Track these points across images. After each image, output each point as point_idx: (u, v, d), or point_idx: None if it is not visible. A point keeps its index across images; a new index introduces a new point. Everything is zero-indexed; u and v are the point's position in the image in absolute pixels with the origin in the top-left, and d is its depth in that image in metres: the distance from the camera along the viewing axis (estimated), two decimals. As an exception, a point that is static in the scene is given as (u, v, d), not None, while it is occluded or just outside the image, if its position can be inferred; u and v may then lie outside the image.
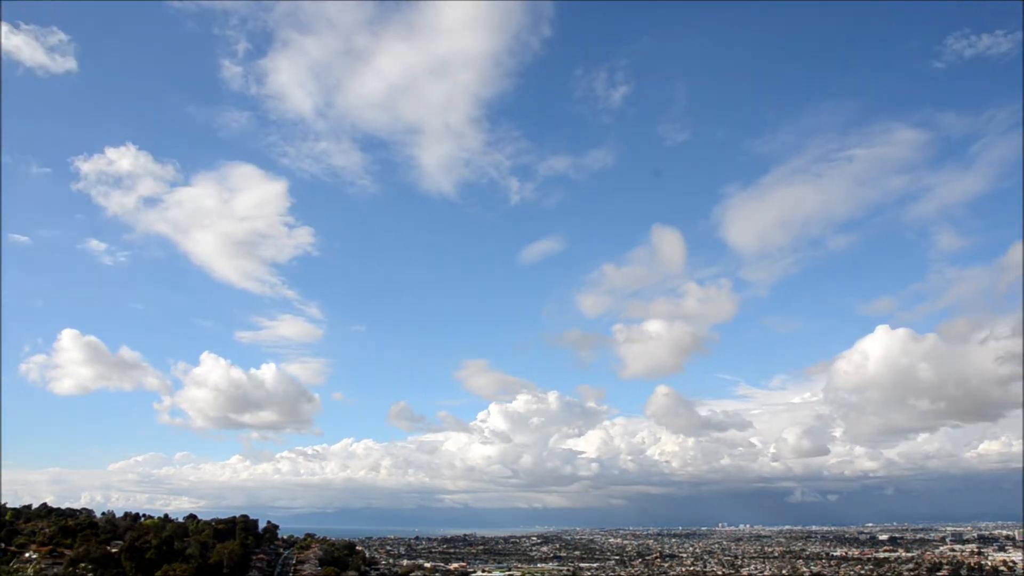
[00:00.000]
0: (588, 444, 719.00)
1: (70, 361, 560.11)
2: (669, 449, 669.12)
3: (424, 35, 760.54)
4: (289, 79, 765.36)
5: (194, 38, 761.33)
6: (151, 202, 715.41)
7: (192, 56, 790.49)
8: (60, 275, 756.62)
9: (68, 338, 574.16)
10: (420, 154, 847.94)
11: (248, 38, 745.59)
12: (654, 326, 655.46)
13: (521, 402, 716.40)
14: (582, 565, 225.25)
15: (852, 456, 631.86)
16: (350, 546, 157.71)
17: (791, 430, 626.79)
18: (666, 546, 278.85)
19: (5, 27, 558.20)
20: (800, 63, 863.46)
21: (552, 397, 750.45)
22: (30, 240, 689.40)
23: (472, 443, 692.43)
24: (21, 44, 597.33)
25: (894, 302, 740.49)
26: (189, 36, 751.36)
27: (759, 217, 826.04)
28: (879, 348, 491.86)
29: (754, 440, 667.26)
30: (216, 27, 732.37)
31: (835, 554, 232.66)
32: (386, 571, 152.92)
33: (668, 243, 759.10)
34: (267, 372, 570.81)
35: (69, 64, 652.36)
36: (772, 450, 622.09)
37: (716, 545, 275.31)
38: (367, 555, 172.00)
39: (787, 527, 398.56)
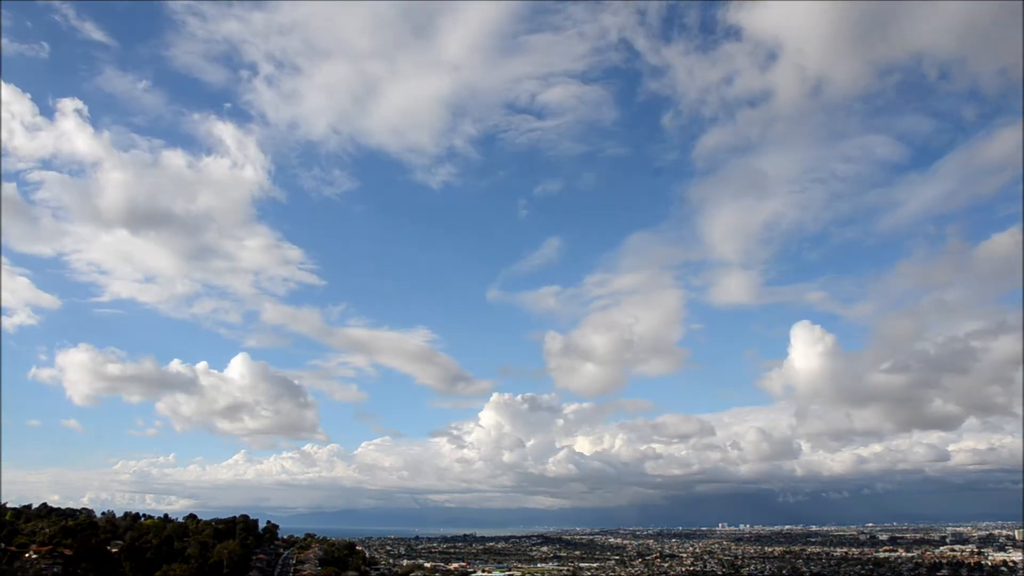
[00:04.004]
0: (587, 445, 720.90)
1: (76, 367, 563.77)
2: (666, 452, 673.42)
3: (433, 67, 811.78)
4: (303, 103, 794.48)
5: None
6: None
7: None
8: (67, 280, 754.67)
9: (76, 345, 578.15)
10: (424, 177, 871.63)
11: (266, 61, 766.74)
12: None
13: (519, 405, 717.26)
14: (582, 565, 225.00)
15: (826, 458, 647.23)
16: (350, 546, 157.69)
17: (772, 434, 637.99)
18: (666, 546, 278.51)
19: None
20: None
21: (550, 400, 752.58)
22: (41, 249, 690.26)
23: (471, 445, 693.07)
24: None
25: (872, 307, 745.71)
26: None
27: (743, 227, 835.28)
28: (801, 357, 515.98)
29: (743, 443, 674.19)
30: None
31: (835, 554, 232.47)
32: (386, 571, 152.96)
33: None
34: (268, 375, 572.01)
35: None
36: (756, 454, 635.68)
37: (716, 545, 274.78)
38: (367, 555, 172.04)
39: (787, 527, 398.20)
